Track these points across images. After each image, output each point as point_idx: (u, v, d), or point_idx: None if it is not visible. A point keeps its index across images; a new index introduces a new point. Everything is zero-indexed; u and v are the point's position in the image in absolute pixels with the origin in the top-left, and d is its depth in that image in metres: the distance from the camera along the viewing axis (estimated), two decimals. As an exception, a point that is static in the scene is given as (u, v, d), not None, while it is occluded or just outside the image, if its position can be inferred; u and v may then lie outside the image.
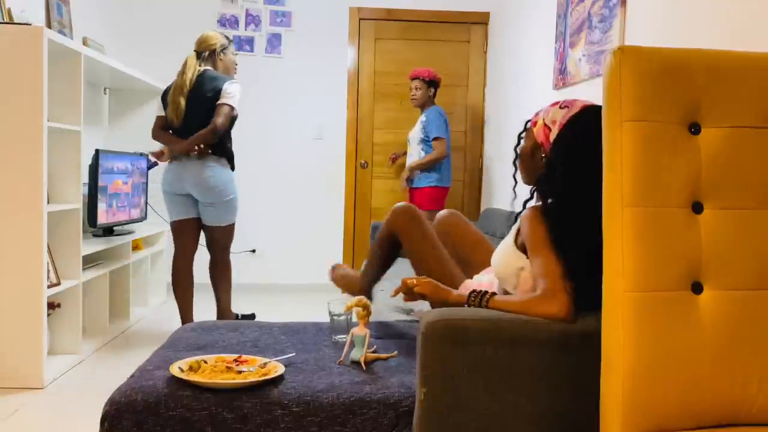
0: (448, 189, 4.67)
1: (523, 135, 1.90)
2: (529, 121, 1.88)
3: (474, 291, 1.79)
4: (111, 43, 4.84)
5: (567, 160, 1.71)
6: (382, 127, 5.46)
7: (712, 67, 1.26)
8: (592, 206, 1.55)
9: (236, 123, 3.76)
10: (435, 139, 4.47)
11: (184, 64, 3.67)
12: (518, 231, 1.87)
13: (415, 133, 4.61)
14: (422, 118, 4.59)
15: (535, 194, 1.80)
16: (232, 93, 3.59)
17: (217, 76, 3.67)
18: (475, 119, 5.49)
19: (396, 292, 1.92)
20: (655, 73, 1.24)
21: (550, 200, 1.72)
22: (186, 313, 3.85)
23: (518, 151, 1.91)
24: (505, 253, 1.92)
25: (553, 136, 1.77)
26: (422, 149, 4.54)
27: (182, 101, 3.59)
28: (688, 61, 1.26)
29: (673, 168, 1.23)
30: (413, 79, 4.64)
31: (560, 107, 1.80)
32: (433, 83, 4.62)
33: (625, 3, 2.83)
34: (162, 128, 3.72)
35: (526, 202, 1.84)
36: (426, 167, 4.53)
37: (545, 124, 1.80)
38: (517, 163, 1.91)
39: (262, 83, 5.32)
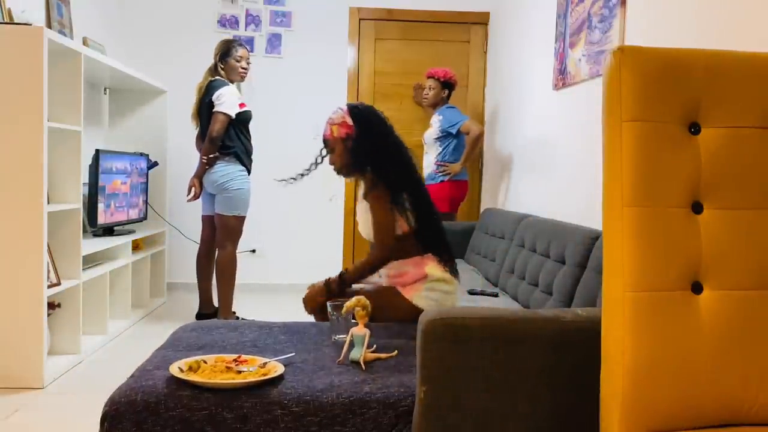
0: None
1: (325, 148, 2.58)
2: (324, 141, 2.56)
3: (330, 277, 2.45)
4: (111, 43, 4.84)
5: (369, 128, 2.42)
6: (382, 127, 5.44)
7: (711, 67, 1.26)
8: (402, 160, 2.48)
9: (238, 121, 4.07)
10: (462, 124, 4.46)
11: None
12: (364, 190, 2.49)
13: (432, 132, 4.57)
14: (437, 116, 4.57)
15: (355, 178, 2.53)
16: (221, 99, 3.96)
17: (217, 84, 4.03)
18: (475, 119, 5.48)
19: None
20: (655, 73, 1.24)
21: (375, 175, 2.40)
22: (203, 296, 4.29)
23: (330, 153, 2.55)
24: (363, 215, 2.50)
25: (349, 121, 2.42)
26: (440, 145, 4.53)
27: (194, 110, 4.12)
28: (688, 61, 1.26)
29: (673, 168, 1.23)
30: (429, 77, 4.63)
31: (332, 115, 2.47)
32: (447, 84, 4.61)
33: (625, 3, 2.83)
34: (200, 137, 4.20)
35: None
36: (474, 153, 4.53)
37: (338, 125, 2.43)
38: (333, 160, 2.54)
39: (262, 83, 5.32)
